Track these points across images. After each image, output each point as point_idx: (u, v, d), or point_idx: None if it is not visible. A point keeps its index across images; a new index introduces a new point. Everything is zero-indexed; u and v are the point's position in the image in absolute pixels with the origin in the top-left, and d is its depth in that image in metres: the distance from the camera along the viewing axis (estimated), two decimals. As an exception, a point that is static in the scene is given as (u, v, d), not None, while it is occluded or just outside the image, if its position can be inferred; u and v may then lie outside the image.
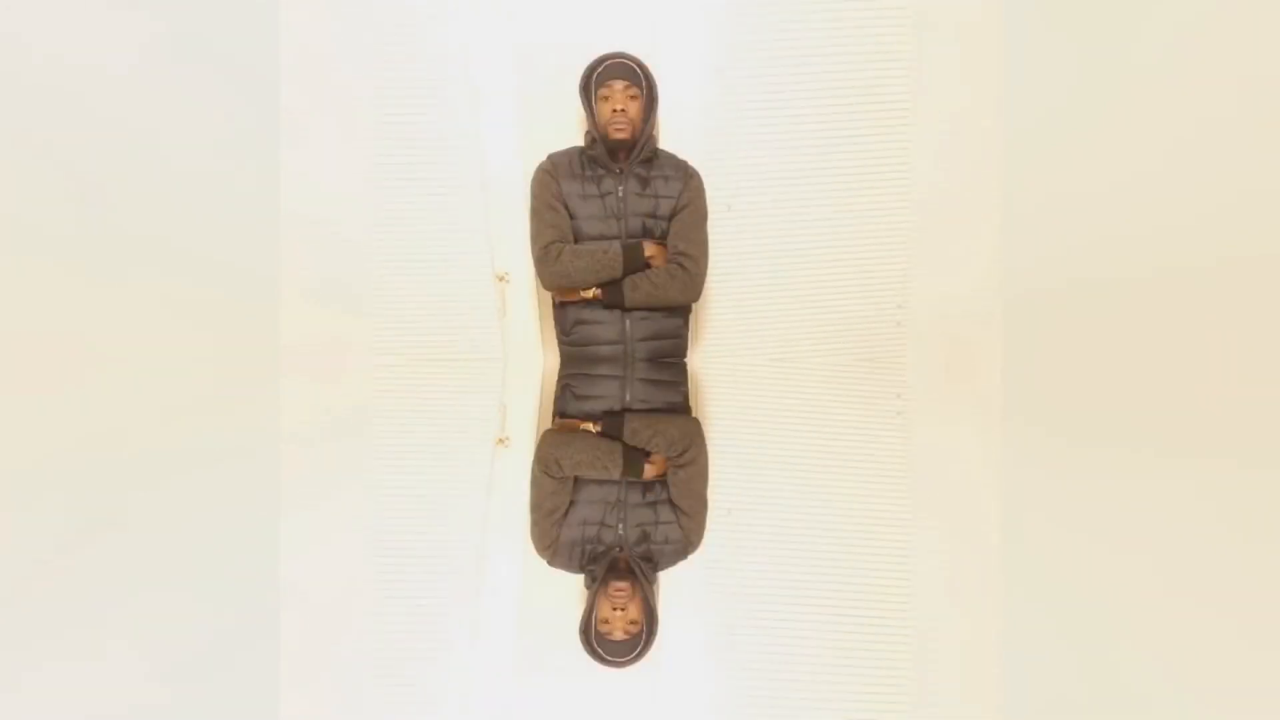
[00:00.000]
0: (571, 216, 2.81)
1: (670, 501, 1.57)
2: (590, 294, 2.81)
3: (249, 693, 0.97)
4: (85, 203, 2.67)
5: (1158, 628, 1.14)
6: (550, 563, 1.32)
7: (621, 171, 2.82)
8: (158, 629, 1.10)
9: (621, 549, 1.34)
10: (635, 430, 2.11)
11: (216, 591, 1.21)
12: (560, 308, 2.88)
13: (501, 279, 3.00)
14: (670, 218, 2.83)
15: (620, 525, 1.43)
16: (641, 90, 2.77)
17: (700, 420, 2.27)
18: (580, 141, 2.88)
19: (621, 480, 1.69)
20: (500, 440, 2.14)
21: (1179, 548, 1.41)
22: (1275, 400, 2.41)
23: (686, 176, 2.86)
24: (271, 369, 2.90)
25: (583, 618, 1.17)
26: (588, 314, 2.84)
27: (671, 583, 1.26)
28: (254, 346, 2.90)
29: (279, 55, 2.86)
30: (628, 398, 2.56)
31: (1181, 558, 1.37)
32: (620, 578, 1.24)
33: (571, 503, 1.54)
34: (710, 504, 1.57)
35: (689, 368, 2.93)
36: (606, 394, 2.62)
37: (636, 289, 2.79)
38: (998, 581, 1.31)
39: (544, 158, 2.87)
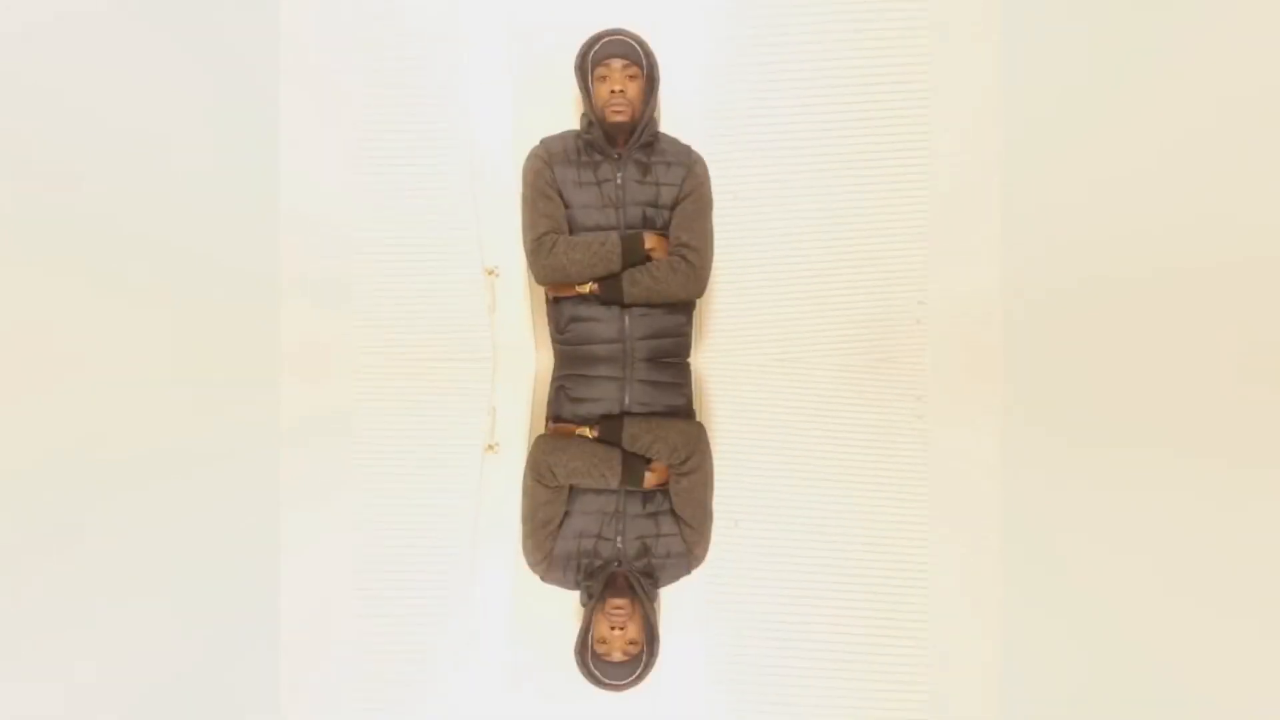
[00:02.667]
0: (566, 206, 2.78)
1: (672, 512, 1.55)
2: (586, 289, 2.77)
3: (249, 693, 1.00)
4: (84, 202, 2.74)
5: (1173, 633, 1.13)
6: (544, 578, 1.30)
7: (620, 157, 2.79)
8: (156, 630, 1.11)
9: (620, 563, 1.33)
10: (635, 435, 2.10)
11: (216, 592, 1.23)
12: (554, 304, 2.86)
13: (491, 273, 2.97)
14: (672, 207, 2.79)
15: (619, 538, 1.42)
16: (641, 69, 2.73)
17: (704, 425, 2.25)
18: (576, 125, 2.84)
19: (620, 489, 1.68)
20: (489, 447, 2.12)
21: (1206, 551, 1.40)
22: (1278, 400, 2.42)
23: (690, 163, 2.83)
24: (271, 369, 2.95)
25: (578, 637, 1.15)
26: (584, 310, 2.80)
27: (673, 600, 1.25)
28: (254, 346, 2.94)
29: (279, 55, 2.90)
30: (627, 400, 2.53)
31: (1210, 562, 1.36)
32: (619, 594, 1.23)
33: (566, 513, 1.53)
34: (715, 515, 1.55)
35: (692, 368, 2.91)
36: (604, 396, 2.60)
37: (636, 283, 2.74)
38: (1021, 598, 1.28)
39: (537, 143, 2.84)
